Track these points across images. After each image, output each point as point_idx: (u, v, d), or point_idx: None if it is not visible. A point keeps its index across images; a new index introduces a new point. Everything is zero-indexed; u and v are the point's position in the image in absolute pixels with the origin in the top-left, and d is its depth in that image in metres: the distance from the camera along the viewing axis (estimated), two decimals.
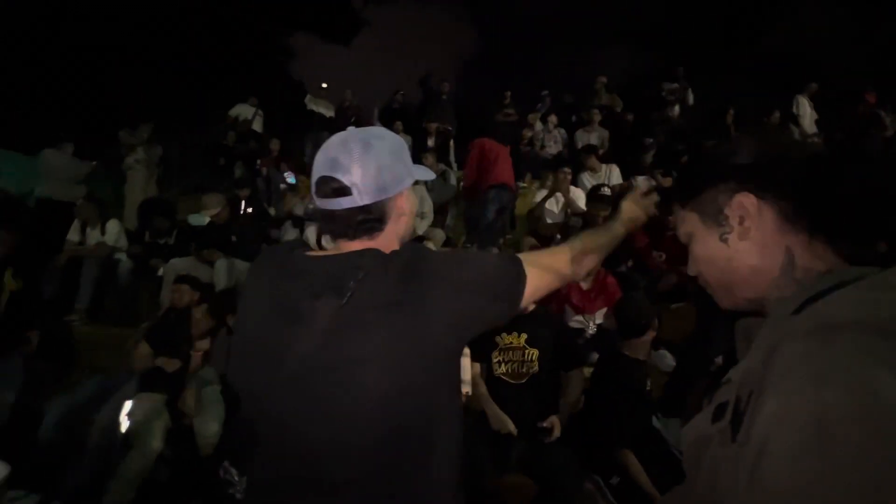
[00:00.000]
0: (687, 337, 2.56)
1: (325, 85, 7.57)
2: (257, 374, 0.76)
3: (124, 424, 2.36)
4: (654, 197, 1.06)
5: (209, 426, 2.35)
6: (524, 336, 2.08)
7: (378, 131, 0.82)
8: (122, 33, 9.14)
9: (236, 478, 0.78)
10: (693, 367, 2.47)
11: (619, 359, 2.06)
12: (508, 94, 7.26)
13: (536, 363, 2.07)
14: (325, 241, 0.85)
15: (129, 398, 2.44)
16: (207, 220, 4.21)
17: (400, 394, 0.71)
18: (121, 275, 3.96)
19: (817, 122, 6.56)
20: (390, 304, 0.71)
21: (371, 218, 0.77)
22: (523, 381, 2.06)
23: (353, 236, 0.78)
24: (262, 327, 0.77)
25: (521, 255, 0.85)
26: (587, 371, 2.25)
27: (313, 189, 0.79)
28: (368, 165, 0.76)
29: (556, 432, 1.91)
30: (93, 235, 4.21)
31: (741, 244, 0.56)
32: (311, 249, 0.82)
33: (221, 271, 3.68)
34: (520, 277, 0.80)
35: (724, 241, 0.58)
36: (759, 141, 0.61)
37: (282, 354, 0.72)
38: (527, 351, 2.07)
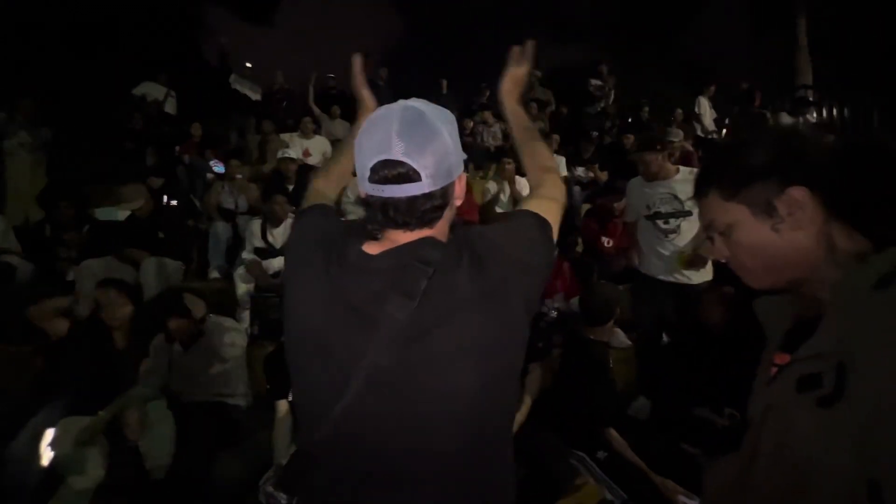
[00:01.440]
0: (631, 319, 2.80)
1: (249, 65, 6.93)
2: (328, 384, 0.69)
3: (46, 456, 2.01)
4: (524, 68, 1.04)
5: (159, 447, 2.09)
6: None
7: (431, 105, 0.73)
8: None
9: (284, 501, 0.71)
10: (646, 346, 2.73)
11: (586, 343, 2.19)
12: (444, 83, 7.24)
13: None
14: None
15: (50, 424, 2.08)
16: (124, 213, 3.68)
17: (486, 390, 0.69)
18: (18, 281, 3.32)
19: (715, 121, 7.47)
20: (466, 298, 0.68)
21: (437, 205, 0.71)
22: None
23: (414, 226, 0.71)
24: (327, 326, 0.70)
25: (536, 206, 0.83)
26: (555, 353, 2.36)
27: (366, 174, 0.70)
28: (438, 147, 0.69)
29: (515, 427, 1.95)
30: None
31: (793, 234, 0.62)
32: (367, 235, 0.74)
33: (150, 272, 3.26)
34: (553, 240, 0.81)
35: (777, 230, 0.62)
36: (790, 135, 0.68)
37: (355, 363, 0.66)
38: None
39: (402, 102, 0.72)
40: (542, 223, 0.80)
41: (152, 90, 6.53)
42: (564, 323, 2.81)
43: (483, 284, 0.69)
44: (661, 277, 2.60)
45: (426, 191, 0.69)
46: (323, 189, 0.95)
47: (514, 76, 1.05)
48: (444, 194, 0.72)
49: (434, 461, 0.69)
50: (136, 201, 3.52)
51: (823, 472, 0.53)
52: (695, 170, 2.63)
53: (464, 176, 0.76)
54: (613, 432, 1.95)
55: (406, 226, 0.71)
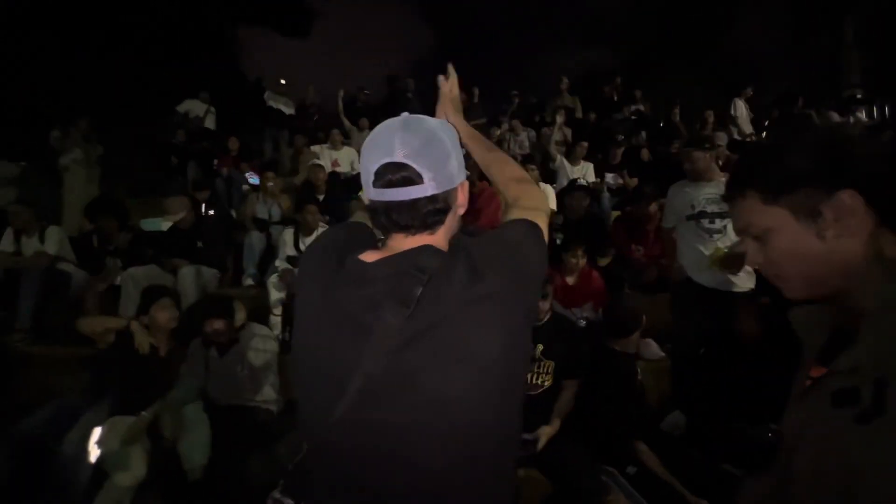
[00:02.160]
0: (669, 329, 2.69)
1: (283, 81, 7.23)
2: (323, 393, 0.69)
3: (94, 453, 2.13)
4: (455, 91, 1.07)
5: (196, 449, 2.18)
6: (540, 347, 2.07)
7: (434, 119, 0.77)
8: (55, 20, 8.19)
9: None
10: (682, 358, 2.62)
11: (612, 355, 2.13)
12: (476, 91, 7.26)
13: (551, 376, 2.06)
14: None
15: (98, 423, 2.21)
16: (166, 224, 3.90)
17: (482, 400, 0.68)
18: (73, 290, 3.55)
19: (753, 123, 7.16)
20: (462, 306, 0.67)
21: (439, 209, 0.72)
22: (536, 392, 2.05)
23: (415, 230, 0.73)
24: (323, 341, 0.71)
25: (522, 212, 0.82)
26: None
27: (370, 178, 0.72)
28: (439, 152, 0.72)
29: (542, 443, 1.90)
30: (29, 244, 3.76)
31: (840, 241, 0.58)
32: (372, 242, 0.77)
33: (188, 280, 3.42)
34: (545, 247, 0.80)
35: (822, 237, 0.59)
36: (836, 137, 0.64)
37: (349, 372, 0.66)
38: (543, 363, 2.06)
39: (404, 114, 0.75)
40: (533, 228, 0.79)
41: (194, 107, 6.92)
42: (594, 333, 2.74)
43: (480, 292, 0.68)
44: (705, 284, 2.47)
45: (428, 193, 0.70)
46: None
47: (450, 98, 1.06)
48: (447, 199, 0.73)
49: (425, 473, 0.67)
50: (179, 212, 3.71)
51: (868, 491, 0.50)
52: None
53: (466, 184, 0.77)
54: (643, 446, 1.88)
55: (408, 229, 0.72)
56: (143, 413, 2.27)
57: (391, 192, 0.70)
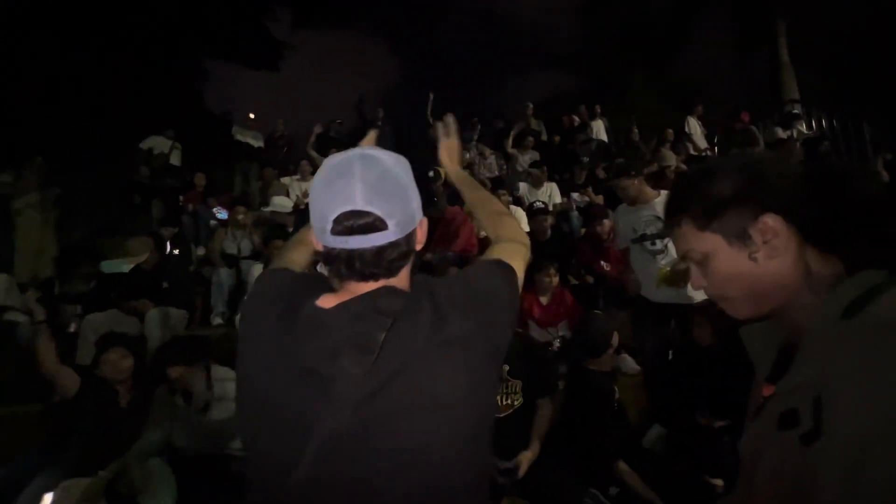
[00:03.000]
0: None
1: (252, 116, 7.20)
2: (281, 450, 0.64)
3: None
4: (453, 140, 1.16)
5: None
6: (506, 367, 2.06)
7: (384, 151, 0.71)
8: (8, 54, 7.90)
9: None
10: (651, 371, 2.67)
11: (587, 374, 2.14)
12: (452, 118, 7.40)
13: (521, 395, 2.05)
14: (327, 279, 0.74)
15: (49, 488, 2.04)
16: (128, 266, 3.73)
17: (452, 447, 0.65)
18: (20, 339, 3.33)
19: (706, 138, 7.60)
20: (427, 349, 0.64)
21: (403, 252, 0.68)
22: (506, 413, 2.03)
23: (381, 276, 0.68)
24: (278, 391, 0.66)
25: (497, 252, 0.82)
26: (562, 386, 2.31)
27: (328, 226, 0.66)
28: (400, 194, 0.67)
29: (523, 470, 1.88)
30: None
31: (771, 261, 0.61)
32: (326, 287, 0.72)
33: (153, 323, 3.27)
34: (516, 284, 0.78)
35: (754, 259, 0.62)
36: (754, 162, 0.68)
37: (309, 427, 0.62)
38: (510, 383, 2.05)
39: (357, 150, 0.69)
40: (505, 269, 0.77)
41: (158, 143, 6.76)
42: (569, 353, 2.75)
43: (446, 334, 0.66)
44: (659, 300, 2.57)
45: (392, 239, 0.67)
46: (296, 259, 0.90)
47: (449, 147, 1.15)
48: (409, 241, 0.70)
49: None
50: (141, 254, 3.57)
51: None
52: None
53: (425, 221, 0.74)
54: (624, 466, 1.87)
55: (372, 277, 0.68)
56: (101, 472, 2.11)
57: (353, 239, 0.65)
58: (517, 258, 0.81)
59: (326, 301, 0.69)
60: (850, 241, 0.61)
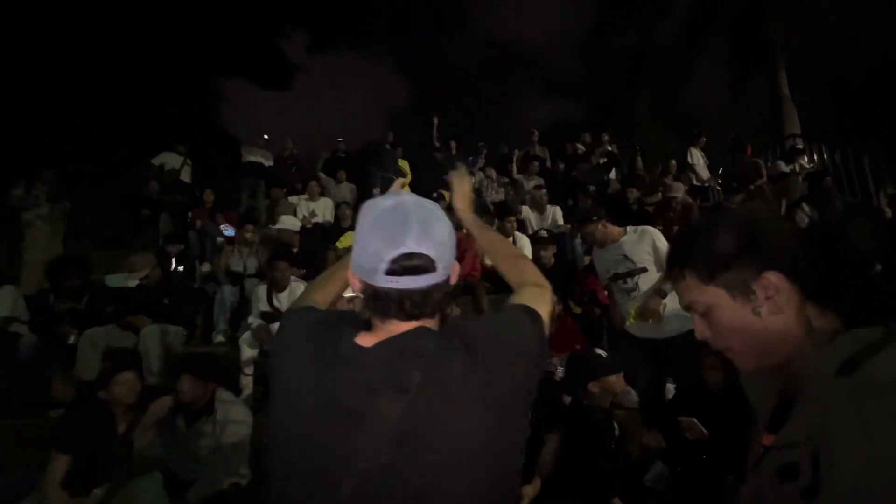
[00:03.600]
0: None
1: (266, 136, 7.35)
2: (311, 487, 0.65)
3: None
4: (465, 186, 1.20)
5: None
6: None
7: (429, 202, 0.75)
8: (23, 70, 8.18)
9: None
10: (650, 408, 2.64)
11: (585, 410, 2.12)
12: (454, 144, 7.55)
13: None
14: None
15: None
16: (133, 281, 3.76)
17: (485, 490, 0.66)
18: (22, 352, 3.32)
19: (710, 169, 7.69)
20: (462, 391, 0.66)
21: (447, 292, 0.72)
22: None
23: (422, 317, 0.71)
24: (312, 430, 0.67)
25: (523, 297, 0.84)
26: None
27: (381, 266, 0.68)
28: (445, 237, 0.71)
29: None
30: None
31: (774, 317, 0.63)
32: (361, 326, 0.74)
33: (150, 339, 3.26)
34: (544, 330, 0.80)
35: (758, 314, 0.63)
36: (754, 220, 0.70)
37: (342, 465, 0.63)
38: None
39: (411, 196, 0.73)
40: (534, 315, 0.79)
41: (170, 159, 6.89)
42: (572, 382, 2.72)
43: (480, 376, 0.67)
44: (639, 335, 2.60)
45: (440, 280, 0.71)
46: (319, 301, 0.94)
47: (462, 193, 1.18)
48: (449, 282, 0.74)
49: None
50: (143, 270, 3.60)
51: None
52: (639, 229, 2.73)
53: (457, 264, 0.77)
54: (618, 502, 1.84)
55: (416, 317, 0.71)
56: (96, 491, 2.08)
57: (404, 280, 0.68)
58: (542, 303, 0.83)
59: (365, 340, 0.71)
60: (847, 298, 0.62)
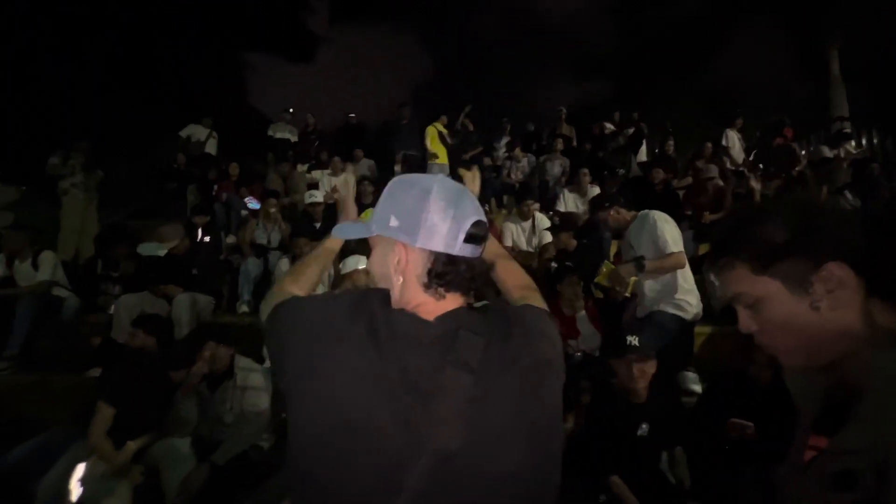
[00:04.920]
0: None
1: (290, 110, 7.37)
2: (373, 472, 0.60)
3: (76, 492, 2.06)
4: None
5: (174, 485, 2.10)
6: None
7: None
8: (59, 46, 8.41)
9: None
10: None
11: (613, 399, 2.08)
12: (469, 122, 7.38)
13: None
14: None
15: (81, 460, 2.14)
16: (163, 250, 3.88)
17: (539, 469, 0.67)
18: (64, 314, 3.51)
19: (747, 152, 7.31)
20: (519, 371, 0.67)
21: (486, 268, 0.76)
22: None
23: (466, 289, 0.73)
24: (372, 408, 0.62)
25: (532, 300, 0.87)
26: (586, 399, 2.28)
27: (459, 235, 0.69)
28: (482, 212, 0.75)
29: None
30: (22, 269, 3.74)
31: (833, 313, 0.58)
32: (389, 301, 0.73)
33: (183, 307, 3.38)
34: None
35: (816, 309, 0.59)
36: (810, 207, 0.65)
37: (412, 446, 0.60)
38: None
39: (440, 177, 0.76)
40: (551, 316, 0.83)
41: (196, 132, 7.00)
42: (590, 365, 2.70)
43: (536, 357, 0.70)
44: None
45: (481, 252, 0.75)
46: (295, 293, 0.92)
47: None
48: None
49: None
50: (173, 240, 3.70)
51: None
52: (641, 214, 2.63)
53: None
54: (617, 478, 1.89)
55: (460, 289, 0.72)
56: (130, 443, 2.21)
57: (472, 248, 0.72)
58: (542, 303, 0.89)
59: (418, 314, 0.70)
60: None
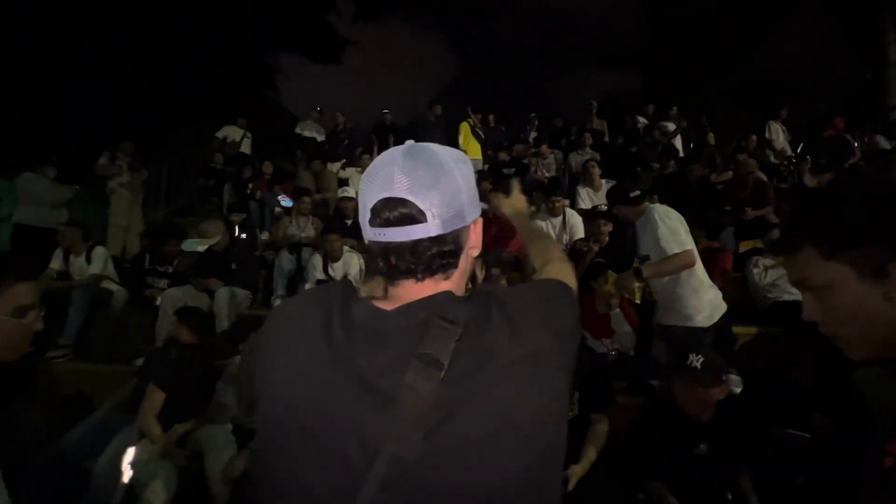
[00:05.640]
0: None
1: (318, 108, 7.52)
2: (326, 478, 0.55)
3: (127, 474, 2.18)
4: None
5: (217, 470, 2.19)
6: None
7: (442, 146, 0.66)
8: (105, 53, 8.91)
9: None
10: None
11: (669, 410, 1.93)
12: (491, 117, 7.34)
13: (576, 405, 2.01)
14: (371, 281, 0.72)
15: (132, 443, 2.27)
16: (203, 246, 4.05)
17: (530, 478, 0.57)
18: (113, 306, 3.72)
19: (792, 145, 6.92)
20: (502, 366, 0.57)
21: (447, 251, 0.62)
22: None
23: (422, 276, 0.62)
24: (324, 411, 0.56)
25: (555, 273, 0.77)
26: (621, 399, 2.22)
27: (366, 216, 0.62)
28: (447, 185, 0.61)
29: (572, 484, 1.82)
30: (76, 263, 3.99)
31: None
32: (360, 293, 0.66)
33: (223, 300, 3.52)
34: (576, 302, 0.72)
35: (890, 300, 0.55)
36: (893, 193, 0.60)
37: (366, 453, 0.53)
38: None
39: (408, 142, 0.66)
40: (567, 288, 0.72)
41: (231, 132, 7.27)
42: (625, 365, 2.64)
43: (521, 349, 0.58)
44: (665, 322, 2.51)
45: (433, 234, 0.60)
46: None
47: (508, 204, 1.10)
48: (457, 240, 0.63)
49: None
50: (215, 236, 3.85)
51: None
52: (646, 209, 2.48)
53: (480, 221, 0.68)
54: (661, 485, 1.81)
55: (411, 273, 0.62)
56: (177, 426, 2.32)
57: (390, 231, 0.60)
58: (570, 277, 0.78)
59: (382, 304, 0.62)
60: None
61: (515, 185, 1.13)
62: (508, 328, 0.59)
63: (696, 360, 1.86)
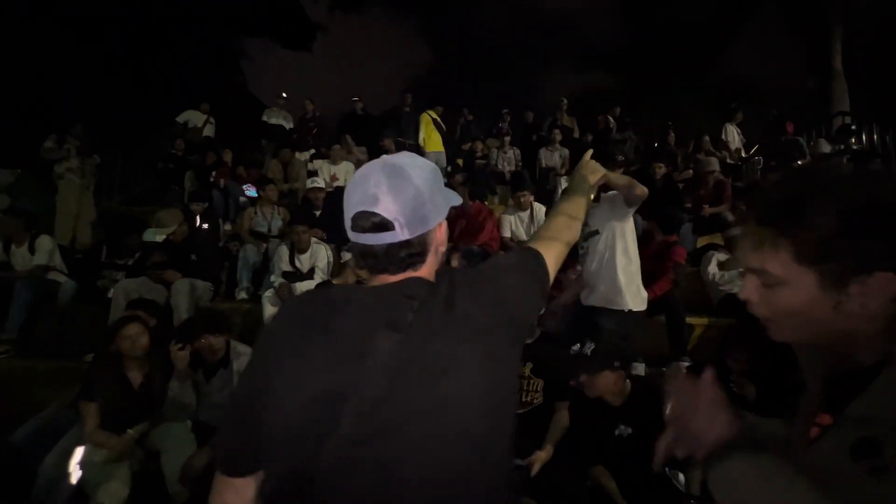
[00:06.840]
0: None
1: (284, 95, 7.26)
2: (312, 423, 0.65)
3: (75, 475, 2.06)
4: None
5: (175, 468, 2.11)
6: (529, 365, 2.08)
7: (412, 159, 0.79)
8: (56, 28, 8.24)
9: None
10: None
11: (586, 401, 1.97)
12: (466, 111, 7.35)
13: (541, 394, 2.06)
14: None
15: (80, 443, 2.15)
16: (161, 236, 3.87)
17: (490, 432, 0.69)
18: (60, 299, 3.49)
19: (746, 147, 7.30)
20: (455, 332, 0.70)
21: (414, 252, 0.76)
22: (524, 410, 2.05)
23: (395, 271, 0.77)
24: (310, 375, 0.67)
25: (533, 242, 0.92)
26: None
27: (348, 224, 0.76)
28: (408, 198, 0.74)
29: (535, 469, 1.88)
30: (18, 253, 3.72)
31: (852, 318, 0.55)
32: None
33: (181, 293, 3.37)
34: (545, 268, 0.86)
35: (837, 310, 0.55)
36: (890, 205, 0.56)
37: (345, 397, 0.65)
38: (531, 381, 2.06)
39: (383, 158, 0.78)
40: (529, 255, 0.86)
41: (193, 117, 6.93)
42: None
43: (474, 319, 0.72)
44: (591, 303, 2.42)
45: (401, 239, 0.74)
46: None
47: (583, 174, 1.16)
48: (423, 242, 0.76)
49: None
50: (171, 225, 3.68)
51: None
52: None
53: (444, 223, 0.81)
54: (601, 468, 1.91)
55: (385, 271, 0.76)
56: (130, 431, 2.20)
57: (365, 237, 0.74)
58: (553, 252, 0.90)
59: (361, 288, 0.78)
60: None
61: (587, 156, 1.19)
62: (463, 301, 0.74)
63: (588, 348, 1.87)
